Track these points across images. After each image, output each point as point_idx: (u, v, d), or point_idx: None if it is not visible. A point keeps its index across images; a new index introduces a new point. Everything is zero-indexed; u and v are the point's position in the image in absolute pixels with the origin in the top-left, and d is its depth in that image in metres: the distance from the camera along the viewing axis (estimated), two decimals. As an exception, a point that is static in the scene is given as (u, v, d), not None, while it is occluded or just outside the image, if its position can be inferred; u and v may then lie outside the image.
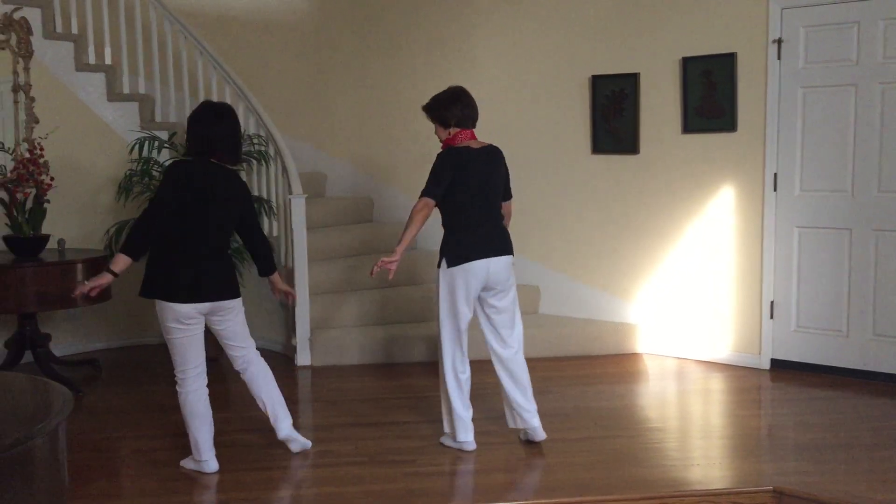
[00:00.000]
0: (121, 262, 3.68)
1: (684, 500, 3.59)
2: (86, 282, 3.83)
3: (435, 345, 5.19)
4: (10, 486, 2.12)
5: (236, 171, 4.02)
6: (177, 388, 3.86)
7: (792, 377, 5.32)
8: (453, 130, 4.11)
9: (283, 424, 4.09)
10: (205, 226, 3.75)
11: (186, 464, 3.96)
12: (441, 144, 4.17)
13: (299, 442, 4.12)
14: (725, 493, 3.63)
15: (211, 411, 3.91)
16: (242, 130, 5.93)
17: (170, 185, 3.73)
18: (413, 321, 6.02)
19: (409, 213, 4.05)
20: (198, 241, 3.75)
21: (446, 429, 4.19)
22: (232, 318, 3.92)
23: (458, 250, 4.02)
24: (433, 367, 5.27)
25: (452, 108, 4.10)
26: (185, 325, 3.75)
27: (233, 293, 3.89)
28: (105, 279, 3.71)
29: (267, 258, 4.09)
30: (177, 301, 3.71)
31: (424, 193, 4.02)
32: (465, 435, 4.11)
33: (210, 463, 3.89)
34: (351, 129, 7.25)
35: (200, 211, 3.73)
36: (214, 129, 3.79)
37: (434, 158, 4.13)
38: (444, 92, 4.19)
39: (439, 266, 4.08)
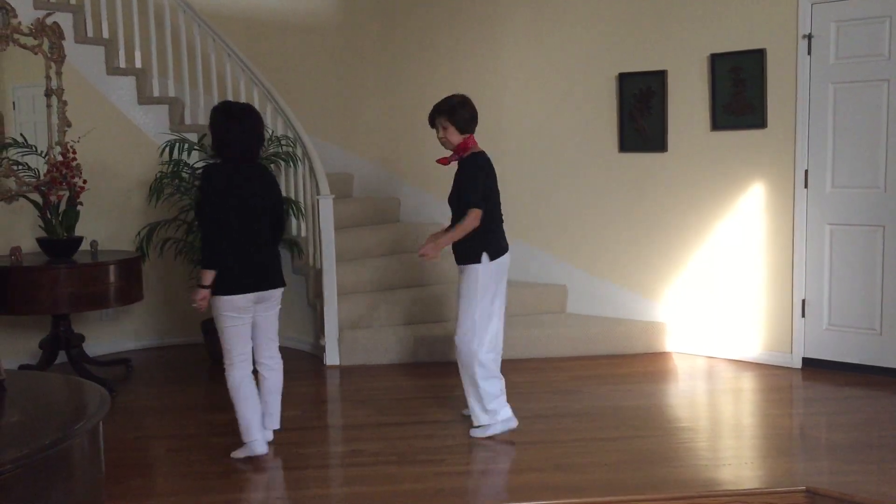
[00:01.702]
0: (207, 275, 3.92)
1: (716, 500, 3.57)
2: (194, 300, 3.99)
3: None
4: (50, 486, 2.15)
5: (263, 166, 4.14)
6: (226, 375, 4.03)
7: (824, 376, 5.26)
8: (466, 135, 4.25)
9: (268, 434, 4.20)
10: (243, 222, 3.92)
11: (237, 454, 4.06)
12: (455, 148, 4.28)
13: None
14: (757, 493, 3.60)
15: (257, 394, 4.07)
16: (270, 132, 6.05)
17: (215, 193, 3.89)
18: (440, 320, 6.02)
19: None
20: (241, 236, 3.92)
21: (483, 421, 4.26)
22: (275, 309, 4.13)
23: (496, 244, 4.26)
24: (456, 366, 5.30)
25: (470, 112, 4.26)
26: (235, 316, 3.95)
27: (280, 282, 4.09)
28: (201, 294, 3.92)
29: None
30: (234, 293, 3.92)
31: (475, 205, 4.16)
32: (506, 410, 4.28)
33: (259, 443, 4.05)
34: (378, 129, 7.27)
35: (237, 209, 3.89)
36: (227, 130, 3.92)
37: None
38: (456, 98, 4.28)
39: (476, 261, 4.18)
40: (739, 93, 5.50)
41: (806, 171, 5.37)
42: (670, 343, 5.95)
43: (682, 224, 5.86)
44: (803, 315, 5.45)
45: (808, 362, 5.44)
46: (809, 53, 5.29)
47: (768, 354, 5.57)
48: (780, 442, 4.25)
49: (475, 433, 4.27)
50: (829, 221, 5.34)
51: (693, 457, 4.03)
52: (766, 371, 5.43)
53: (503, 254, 4.29)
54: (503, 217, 4.37)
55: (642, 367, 5.61)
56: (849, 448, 4.06)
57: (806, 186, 5.38)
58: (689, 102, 5.74)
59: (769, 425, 4.51)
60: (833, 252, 5.34)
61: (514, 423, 4.30)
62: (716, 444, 4.26)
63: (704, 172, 5.73)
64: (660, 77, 5.81)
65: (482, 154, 4.28)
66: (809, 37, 5.27)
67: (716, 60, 5.56)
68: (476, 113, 4.28)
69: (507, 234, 4.40)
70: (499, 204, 4.32)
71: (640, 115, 5.92)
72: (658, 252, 5.98)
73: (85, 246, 5.57)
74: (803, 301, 5.44)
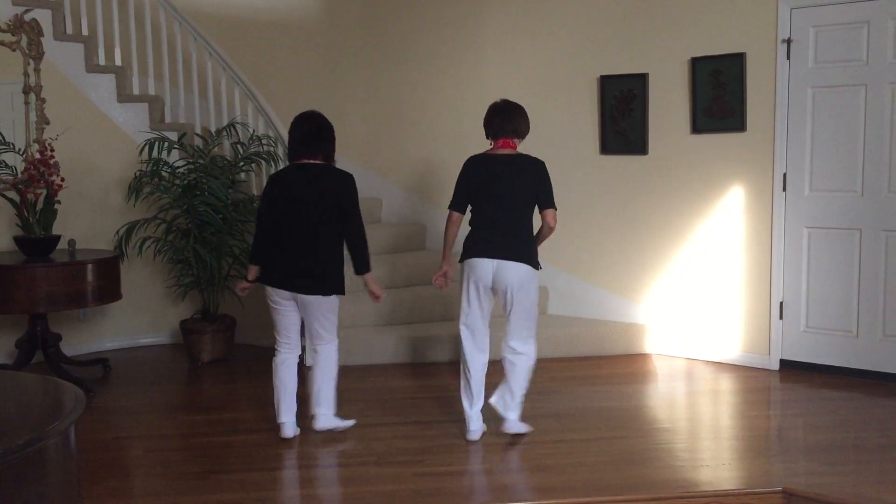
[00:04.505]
0: (250, 270, 4.37)
1: (694, 501, 3.58)
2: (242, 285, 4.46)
3: (455, 344, 5.40)
4: (23, 487, 2.13)
5: (330, 170, 4.27)
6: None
7: (801, 378, 5.31)
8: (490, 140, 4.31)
9: (318, 413, 4.36)
10: (284, 223, 4.15)
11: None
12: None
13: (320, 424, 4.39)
14: (735, 493, 3.62)
15: (294, 382, 4.32)
16: (251, 131, 6.03)
17: (263, 195, 4.29)
18: (434, 321, 6.01)
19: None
20: (282, 236, 4.17)
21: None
22: (311, 313, 4.23)
23: (468, 246, 4.28)
24: (452, 366, 5.31)
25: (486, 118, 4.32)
26: (273, 304, 4.24)
27: (309, 290, 4.16)
28: (242, 284, 4.44)
29: (354, 258, 4.29)
30: (266, 284, 4.25)
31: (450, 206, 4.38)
32: (467, 425, 4.27)
33: (285, 427, 4.27)
34: (359, 129, 7.25)
35: (279, 211, 4.17)
36: (291, 133, 4.25)
37: (443, 162, 4.29)
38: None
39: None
40: (719, 96, 5.53)
41: (784, 175, 5.41)
42: (650, 345, 5.98)
43: (661, 226, 5.89)
44: (781, 317, 5.49)
45: (785, 364, 5.49)
46: (788, 58, 5.33)
47: (746, 356, 5.61)
48: (757, 443, 4.28)
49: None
50: (807, 224, 5.38)
51: (671, 458, 4.06)
52: (745, 373, 5.46)
53: (471, 257, 4.24)
54: (492, 222, 4.23)
55: (622, 368, 5.63)
56: (825, 449, 4.09)
57: (784, 189, 5.43)
58: (669, 105, 5.77)
59: (747, 426, 4.54)
60: (811, 255, 5.38)
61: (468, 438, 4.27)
62: (694, 445, 4.28)
63: (684, 175, 5.76)
64: (641, 80, 5.83)
65: (471, 158, 4.31)
66: (789, 41, 5.31)
67: (696, 64, 5.60)
68: (488, 119, 4.28)
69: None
70: (485, 207, 4.23)
71: (622, 117, 5.94)
72: (638, 254, 6.01)
73: (63, 244, 5.52)
74: (781, 303, 5.48)
